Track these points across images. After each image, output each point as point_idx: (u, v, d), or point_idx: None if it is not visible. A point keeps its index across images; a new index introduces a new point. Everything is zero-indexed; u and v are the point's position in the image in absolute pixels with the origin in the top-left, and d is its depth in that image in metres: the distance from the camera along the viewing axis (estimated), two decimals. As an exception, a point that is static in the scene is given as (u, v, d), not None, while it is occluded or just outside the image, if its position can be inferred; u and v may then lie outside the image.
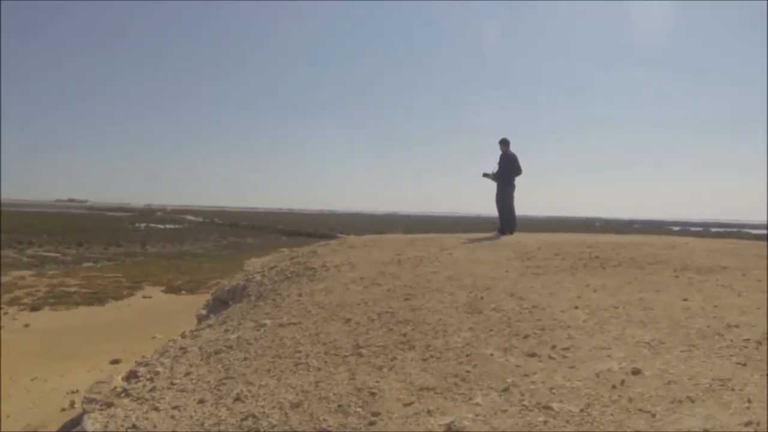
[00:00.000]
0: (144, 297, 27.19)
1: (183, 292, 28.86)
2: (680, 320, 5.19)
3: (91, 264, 41.92)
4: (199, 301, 17.32)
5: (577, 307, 5.77)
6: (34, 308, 23.42)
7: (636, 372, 4.07)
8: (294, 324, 6.49)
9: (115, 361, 15.20)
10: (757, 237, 67.85)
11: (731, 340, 4.61)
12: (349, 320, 6.22)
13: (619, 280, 7.18)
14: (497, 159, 13.81)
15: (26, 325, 20.05)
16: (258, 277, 11.09)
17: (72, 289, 28.20)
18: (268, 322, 6.90)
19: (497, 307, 5.98)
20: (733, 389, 3.70)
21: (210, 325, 8.42)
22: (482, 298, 6.44)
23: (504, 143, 13.72)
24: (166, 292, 28.96)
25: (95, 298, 26.13)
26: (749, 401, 3.51)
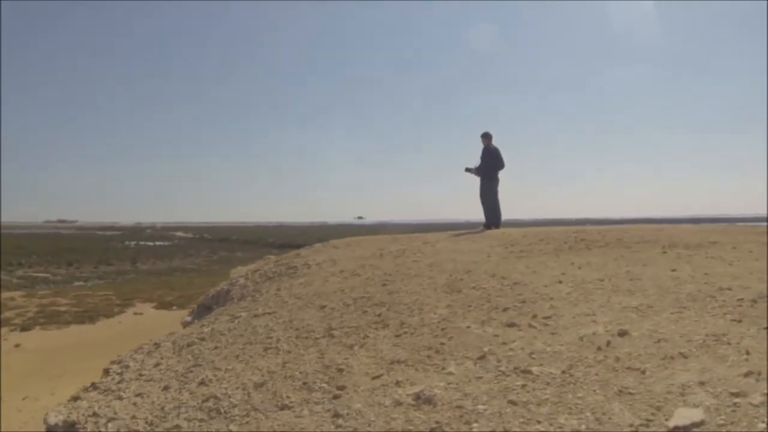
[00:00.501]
0: (135, 314, 26.94)
1: (174, 307, 28.60)
2: (669, 288, 4.92)
3: (81, 283, 41.63)
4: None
5: (560, 282, 5.50)
6: (25, 328, 23.13)
7: (623, 333, 3.82)
8: (269, 314, 6.30)
9: None
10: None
11: (724, 301, 4.37)
12: (324, 307, 5.99)
13: (605, 258, 6.92)
14: (479, 153, 13.46)
15: (17, 345, 19.80)
16: (242, 281, 10.97)
17: (63, 308, 27.92)
18: (243, 314, 6.74)
19: (477, 285, 5.71)
20: (729, 343, 3.47)
21: (189, 324, 8.22)
22: (462, 279, 6.17)
23: (486, 137, 13.39)
24: (157, 308, 28.70)
25: (86, 316, 25.84)
26: (747, 353, 3.27)
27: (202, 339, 5.85)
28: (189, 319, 12.10)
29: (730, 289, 4.69)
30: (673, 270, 5.68)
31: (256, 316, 6.34)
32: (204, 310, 11.63)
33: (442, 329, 4.48)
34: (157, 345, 6.41)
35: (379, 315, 5.19)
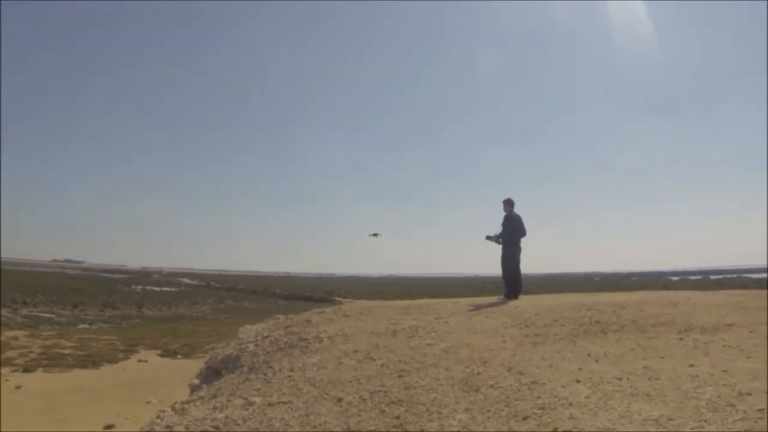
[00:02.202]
0: (139, 361, 26.88)
1: (179, 356, 28.47)
2: (688, 391, 4.90)
3: (86, 326, 41.64)
4: (195, 365, 17.00)
5: (578, 381, 5.47)
6: (27, 370, 23.08)
7: (645, 456, 3.79)
8: (284, 403, 6.20)
9: (109, 426, 14.98)
10: (758, 282, 67.56)
11: (744, 412, 4.33)
12: (340, 400, 5.93)
13: (621, 346, 6.90)
14: (500, 220, 13.50)
15: (18, 387, 19.72)
16: (251, 347, 10.79)
17: (66, 351, 27.87)
18: (257, 399, 6.62)
19: (495, 383, 5.69)
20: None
21: (201, 397, 8.13)
22: (479, 373, 6.14)
23: (508, 203, 13.46)
24: (161, 356, 28.59)
25: (90, 360, 25.79)
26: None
27: (217, 428, 5.79)
28: (197, 382, 11.99)
29: (749, 393, 4.67)
30: (691, 365, 5.66)
31: (270, 405, 6.25)
32: (212, 374, 11.47)
33: (463, 441, 4.46)
34: (169, 428, 6.25)
35: (398, 417, 5.15)
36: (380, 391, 5.98)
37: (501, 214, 13.56)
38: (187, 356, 27.90)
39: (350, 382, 6.52)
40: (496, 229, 13.53)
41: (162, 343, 32.22)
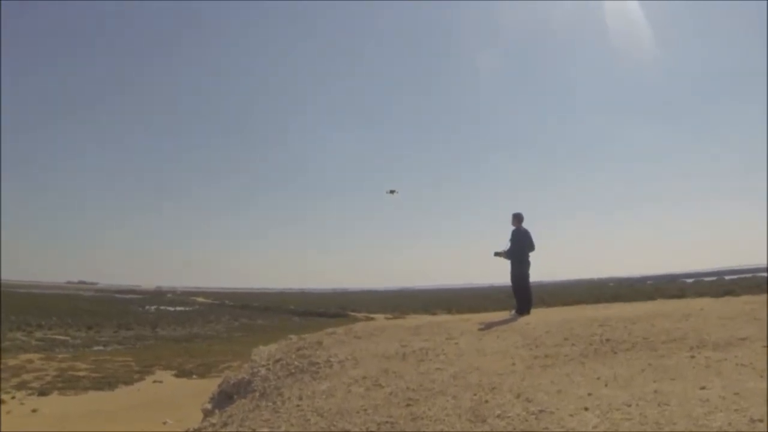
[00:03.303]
0: (154, 381, 27.07)
1: (194, 376, 28.57)
2: (699, 417, 4.79)
3: (101, 347, 41.97)
4: (210, 385, 17.02)
5: (587, 408, 5.36)
6: (42, 393, 23.27)
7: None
8: (291, 436, 6.16)
9: None
10: (773, 280, 66.94)
11: (757, 444, 4.24)
12: (347, 433, 5.87)
13: (631, 367, 6.78)
14: (508, 235, 13.42)
15: (34, 410, 19.90)
16: (263, 371, 10.85)
17: (81, 374, 28.07)
18: (265, 431, 6.59)
19: (502, 413, 5.59)
20: None
21: (213, 424, 8.15)
22: (487, 401, 6.05)
23: (517, 218, 13.37)
24: (177, 376, 28.77)
25: (105, 382, 26.00)
26: None
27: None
28: (209, 407, 12.10)
29: (762, 420, 4.56)
30: (702, 388, 5.55)
31: (278, 438, 6.23)
32: (225, 398, 11.60)
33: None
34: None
35: (404, 453, 5.08)
36: (387, 422, 5.91)
37: (510, 226, 13.47)
38: (202, 376, 28.00)
39: (358, 412, 6.45)
40: (505, 244, 13.43)
41: (177, 363, 32.36)
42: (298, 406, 7.31)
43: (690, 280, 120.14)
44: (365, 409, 6.49)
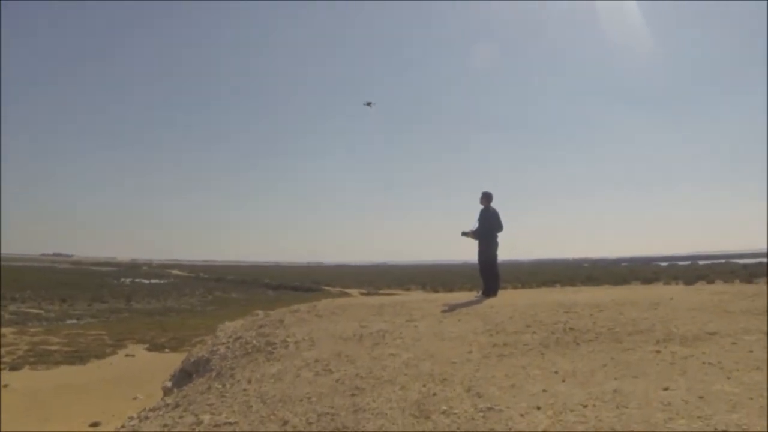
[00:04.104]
0: (126, 355, 27.03)
1: (166, 350, 28.48)
2: (657, 424, 4.36)
3: (74, 321, 41.83)
4: (182, 359, 16.79)
5: (539, 408, 4.93)
6: (14, 368, 23.15)
7: None
8: (230, 424, 5.80)
9: (95, 424, 14.92)
10: (744, 268, 67.67)
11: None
12: (286, 423, 5.48)
13: (592, 361, 6.37)
14: (476, 215, 13.06)
15: (5, 386, 19.71)
16: (222, 350, 10.61)
17: (54, 348, 27.92)
18: (206, 418, 6.25)
19: (448, 408, 5.14)
20: None
21: (166, 405, 7.90)
22: (435, 394, 5.61)
23: (486, 197, 12.98)
24: (149, 350, 28.74)
25: (77, 356, 25.84)
26: None
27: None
28: (169, 385, 12.02)
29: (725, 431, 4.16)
30: (665, 389, 5.14)
31: (217, 425, 5.85)
32: (185, 376, 11.37)
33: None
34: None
35: (339, 449, 4.67)
36: (328, 413, 5.51)
37: (478, 207, 13.11)
38: (174, 350, 27.89)
39: (301, 400, 6.07)
40: (472, 224, 13.07)
41: (150, 336, 32.29)
42: (245, 390, 7.00)
43: (664, 264, 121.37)
44: (309, 397, 6.12)
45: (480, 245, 13.05)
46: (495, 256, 13.10)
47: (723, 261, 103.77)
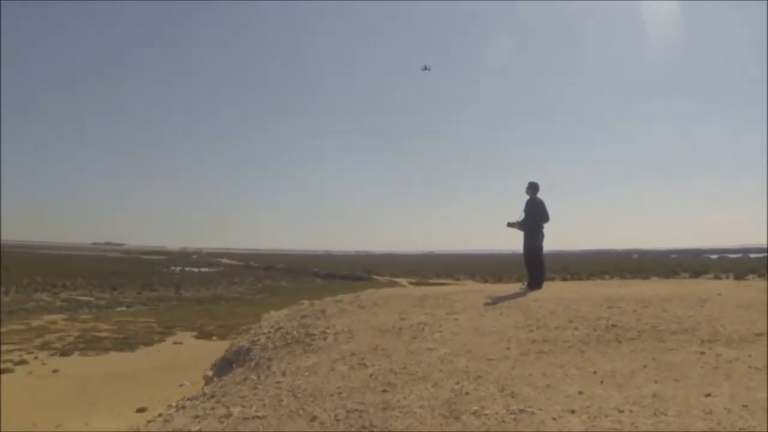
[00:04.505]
0: (174, 343, 27.19)
1: (214, 337, 28.64)
2: (698, 434, 4.14)
3: (124, 308, 42.49)
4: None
5: (573, 411, 4.76)
6: (64, 353, 23.64)
7: None
8: (259, 418, 5.75)
9: (141, 410, 15.18)
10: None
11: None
12: (315, 418, 5.42)
13: (632, 362, 6.14)
14: (522, 206, 12.88)
15: (55, 371, 20.28)
16: (263, 340, 10.67)
17: (103, 334, 28.42)
18: (236, 410, 6.24)
19: (480, 409, 5.01)
20: None
21: (204, 394, 7.92)
22: (467, 393, 5.48)
23: (532, 188, 12.75)
24: (197, 337, 28.95)
25: (126, 343, 26.23)
26: None
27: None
28: (210, 374, 12.20)
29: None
30: (708, 395, 4.91)
31: (245, 419, 5.82)
32: (226, 365, 11.49)
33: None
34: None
35: (364, 448, 4.59)
36: (357, 410, 5.44)
37: (524, 197, 12.90)
38: (222, 337, 28.06)
39: (332, 395, 6.01)
40: (519, 214, 12.91)
41: (198, 324, 32.59)
42: (278, 383, 6.95)
43: (714, 257, 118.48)
44: (340, 393, 6.05)
45: (525, 236, 12.86)
46: (541, 247, 12.88)
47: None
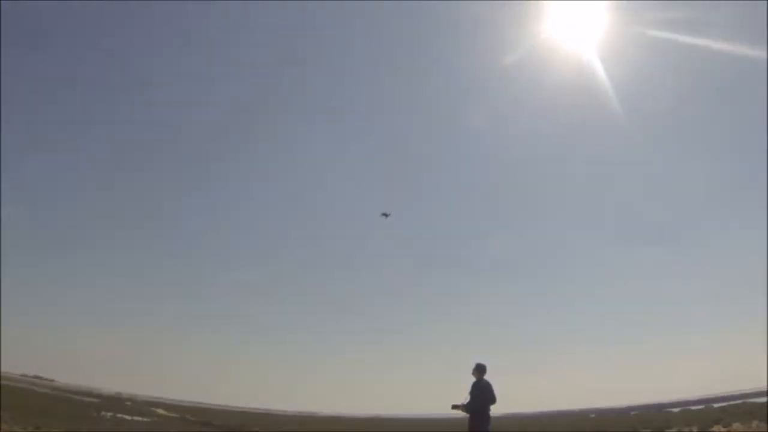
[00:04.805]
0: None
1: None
2: None
3: (46, 458, 38.52)
4: None
5: None
6: None
7: None
8: None
9: None
10: (760, 408, 63.46)
11: None
12: None
13: None
14: (468, 388, 12.88)
15: None
16: None
17: None
18: None
19: None
20: None
21: None
22: None
23: (479, 370, 12.94)
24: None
25: None
26: None
27: None
28: None
29: None
30: None
31: None
32: None
33: None
34: None
35: None
36: None
37: (470, 378, 13.08)
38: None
39: None
40: (464, 396, 12.91)
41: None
42: None
43: (676, 410, 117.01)
44: None
45: (470, 419, 12.79)
46: (486, 430, 12.84)
47: (740, 402, 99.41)
